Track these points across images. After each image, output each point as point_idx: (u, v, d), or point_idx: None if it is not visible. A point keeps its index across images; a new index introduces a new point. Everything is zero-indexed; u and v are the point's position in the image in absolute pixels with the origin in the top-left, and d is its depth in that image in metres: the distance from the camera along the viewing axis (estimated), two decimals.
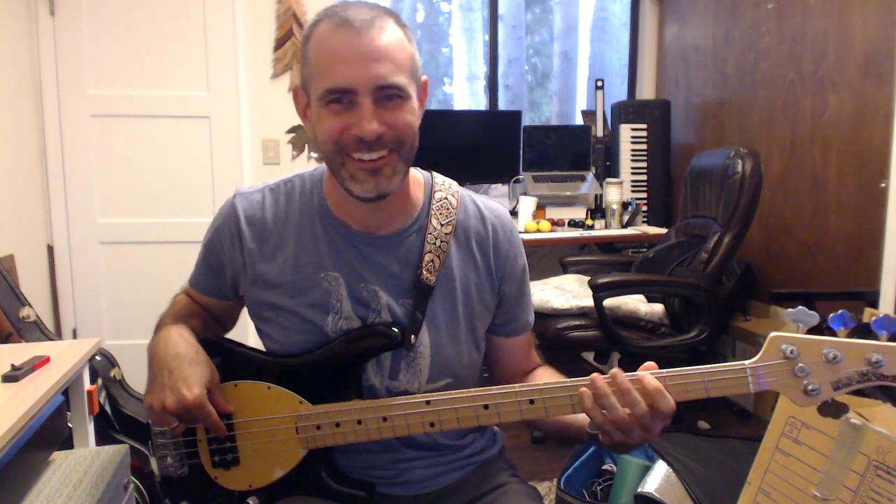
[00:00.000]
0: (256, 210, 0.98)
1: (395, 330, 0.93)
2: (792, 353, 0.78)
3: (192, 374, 0.89)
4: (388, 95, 0.85)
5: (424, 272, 0.95)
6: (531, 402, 0.86)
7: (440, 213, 0.98)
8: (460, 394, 0.88)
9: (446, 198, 1.00)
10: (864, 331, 0.79)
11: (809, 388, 0.78)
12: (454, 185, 1.04)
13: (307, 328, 0.96)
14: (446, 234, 0.97)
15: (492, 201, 1.06)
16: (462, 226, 1.00)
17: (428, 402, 0.89)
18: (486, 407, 0.87)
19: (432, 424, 0.89)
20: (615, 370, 0.82)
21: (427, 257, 0.95)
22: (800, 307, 0.82)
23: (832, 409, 0.78)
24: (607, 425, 0.81)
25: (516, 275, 1.03)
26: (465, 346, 0.99)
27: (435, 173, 1.04)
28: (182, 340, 0.94)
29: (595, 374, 0.82)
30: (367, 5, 0.87)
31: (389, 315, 0.96)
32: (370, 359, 0.95)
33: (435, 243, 0.96)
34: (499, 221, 1.03)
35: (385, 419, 0.90)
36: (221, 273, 1.02)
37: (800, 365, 0.78)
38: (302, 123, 0.94)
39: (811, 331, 0.81)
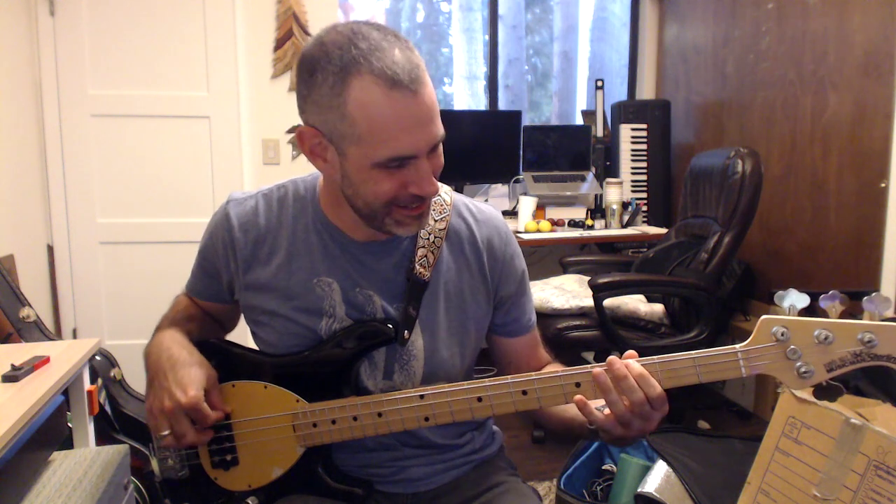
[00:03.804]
0: (250, 216, 0.98)
1: (389, 325, 0.93)
2: (783, 335, 0.78)
3: (186, 376, 0.90)
4: (435, 146, 0.85)
5: (417, 267, 0.95)
6: (524, 392, 0.85)
7: (433, 210, 0.98)
8: (454, 387, 0.88)
9: (439, 195, 1.00)
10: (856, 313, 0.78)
11: (802, 370, 0.77)
12: (446, 186, 1.03)
13: (301, 332, 0.96)
14: (440, 230, 0.97)
15: (485, 205, 1.06)
16: (455, 229, 1.00)
17: (422, 397, 0.89)
18: (479, 399, 0.87)
19: (427, 419, 0.89)
20: (612, 357, 0.82)
21: (420, 252, 0.95)
22: (790, 289, 0.81)
23: (827, 393, 0.78)
24: (607, 422, 0.81)
25: (514, 277, 1.03)
26: (459, 349, 0.99)
27: None
28: (174, 344, 0.95)
29: (595, 370, 0.81)
30: (395, 42, 0.80)
31: (384, 316, 0.96)
32: (365, 354, 0.95)
33: (428, 238, 0.96)
34: (493, 224, 1.03)
35: (380, 415, 0.90)
36: (217, 278, 1.03)
37: (791, 347, 0.78)
38: (306, 156, 0.89)
39: (803, 313, 0.81)
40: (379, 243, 0.96)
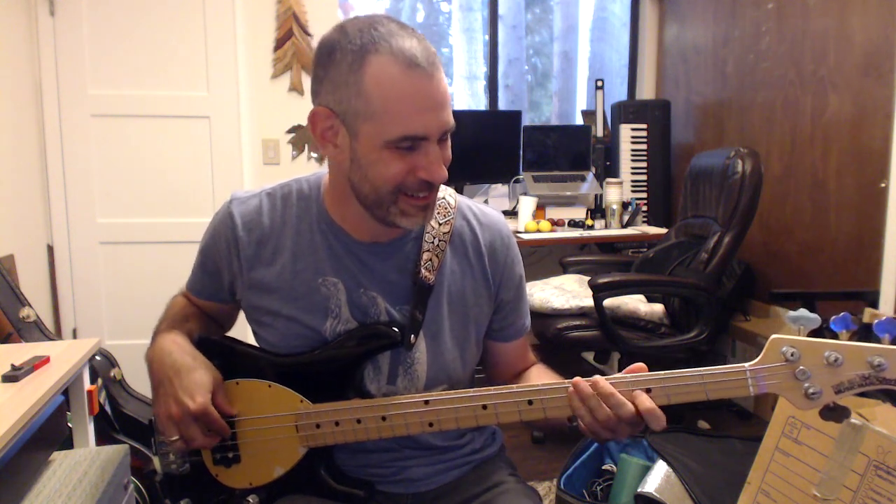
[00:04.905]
0: (254, 215, 0.98)
1: (395, 329, 0.93)
2: (793, 355, 0.78)
3: (192, 383, 0.90)
4: (446, 136, 0.85)
5: (423, 270, 0.94)
6: (529, 402, 0.86)
7: (438, 213, 0.98)
8: (459, 394, 0.88)
9: (443, 197, 1.00)
10: (866, 333, 0.78)
11: (810, 391, 0.77)
12: (450, 189, 1.04)
13: (305, 332, 0.96)
14: (444, 233, 0.97)
15: (489, 209, 1.06)
16: (458, 233, 1.00)
17: (427, 402, 0.89)
18: (484, 407, 0.87)
19: (431, 424, 0.89)
20: (596, 377, 0.83)
21: (425, 256, 0.95)
22: (801, 309, 0.81)
23: (834, 414, 0.78)
24: (594, 425, 0.82)
25: (514, 282, 1.04)
26: (461, 352, 0.99)
27: None
28: (176, 348, 0.94)
29: (577, 379, 0.83)
30: (412, 34, 0.82)
31: (388, 319, 0.96)
32: (370, 358, 0.95)
33: (433, 242, 0.96)
34: (496, 228, 1.03)
35: (384, 418, 0.90)
36: (219, 278, 1.02)
37: (801, 368, 0.78)
38: (316, 142, 0.89)
39: (812, 333, 0.81)
40: (382, 245, 0.96)
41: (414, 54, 0.79)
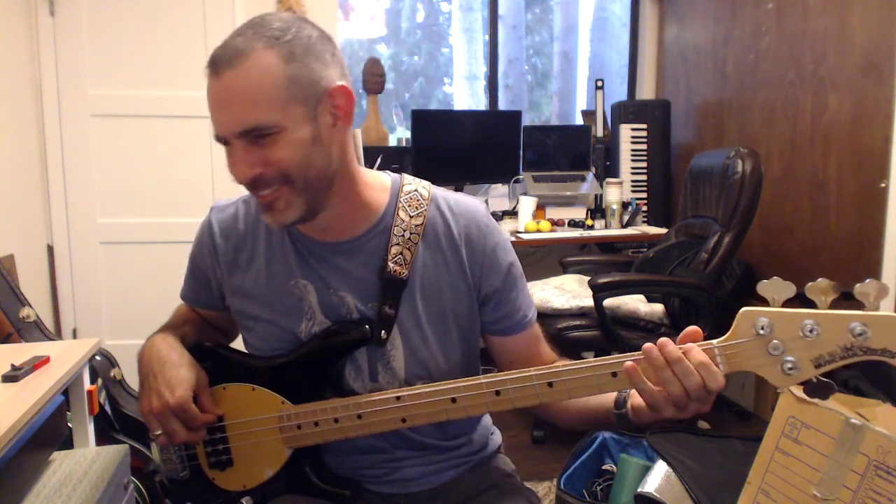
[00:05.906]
0: (230, 222, 1.00)
1: (366, 326, 0.93)
2: (764, 328, 0.72)
3: (175, 377, 0.91)
4: (257, 135, 0.81)
5: (391, 265, 0.92)
6: (497, 393, 0.84)
7: (409, 206, 0.96)
8: (429, 388, 0.88)
9: (416, 190, 0.98)
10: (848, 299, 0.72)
11: (787, 366, 0.71)
12: (426, 182, 1.01)
13: (282, 335, 0.97)
14: (416, 225, 0.95)
15: (465, 196, 1.01)
16: (431, 224, 0.96)
17: (398, 398, 0.89)
18: (453, 401, 0.86)
19: (404, 420, 0.89)
20: (664, 339, 0.76)
21: (394, 249, 0.93)
22: (774, 277, 0.75)
23: (818, 390, 0.72)
24: (660, 400, 0.76)
25: (498, 269, 0.97)
26: (441, 347, 0.97)
27: (405, 175, 1.02)
28: (165, 345, 0.96)
29: (648, 344, 0.76)
30: (244, 32, 0.83)
31: (359, 317, 0.95)
32: (345, 356, 0.95)
33: (403, 235, 0.94)
34: (471, 216, 0.97)
35: (360, 416, 0.90)
36: (208, 286, 1.04)
37: (774, 341, 0.71)
38: None
39: (789, 304, 0.75)
40: (344, 242, 0.95)
41: (213, 56, 0.82)
